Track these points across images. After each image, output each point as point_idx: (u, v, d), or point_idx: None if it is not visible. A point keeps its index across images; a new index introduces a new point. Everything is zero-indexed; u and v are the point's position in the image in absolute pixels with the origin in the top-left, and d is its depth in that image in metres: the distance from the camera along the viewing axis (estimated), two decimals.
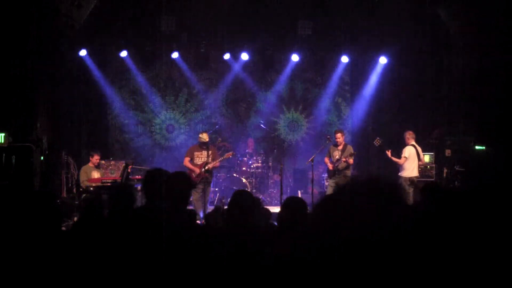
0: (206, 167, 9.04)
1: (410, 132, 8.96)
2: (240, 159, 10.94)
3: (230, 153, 9.40)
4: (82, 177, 8.88)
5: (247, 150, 11.23)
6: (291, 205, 3.47)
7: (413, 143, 8.87)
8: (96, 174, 8.89)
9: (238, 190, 3.78)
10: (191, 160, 9.19)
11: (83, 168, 8.99)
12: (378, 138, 9.30)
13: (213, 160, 9.05)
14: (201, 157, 9.22)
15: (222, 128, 11.86)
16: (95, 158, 9.04)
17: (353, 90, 12.00)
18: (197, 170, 9.07)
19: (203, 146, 9.21)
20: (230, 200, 3.41)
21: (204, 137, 9.18)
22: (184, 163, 9.37)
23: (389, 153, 8.82)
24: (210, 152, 9.16)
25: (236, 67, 11.96)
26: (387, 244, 1.44)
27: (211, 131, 11.50)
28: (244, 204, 3.32)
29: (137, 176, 8.89)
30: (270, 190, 11.02)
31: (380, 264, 1.42)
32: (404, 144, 8.89)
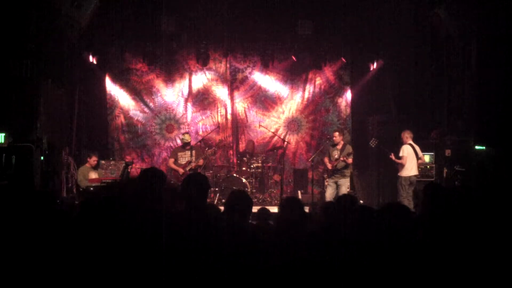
0: (190, 166, 9.50)
1: (408, 131, 9.01)
2: (240, 159, 10.96)
3: (212, 149, 9.93)
4: (79, 178, 8.95)
5: (247, 150, 11.25)
6: (288, 205, 3.48)
7: (410, 142, 8.90)
8: (93, 175, 8.98)
9: (234, 190, 3.80)
10: (175, 161, 9.69)
11: (81, 169, 9.09)
12: (373, 139, 9.34)
13: (196, 159, 9.52)
14: (185, 157, 9.75)
15: (222, 128, 11.87)
16: (93, 160, 9.15)
17: (353, 90, 12.01)
18: (181, 170, 9.55)
19: (186, 146, 9.77)
20: (227, 200, 3.42)
21: (187, 137, 9.81)
22: (168, 165, 9.82)
23: (392, 157, 8.87)
24: (193, 151, 9.68)
25: (236, 67, 11.98)
26: (386, 247, 1.45)
27: (212, 131, 11.56)
28: (241, 204, 3.33)
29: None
30: (270, 190, 11.03)
31: (379, 266, 1.42)
32: (402, 144, 8.93)
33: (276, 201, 10.17)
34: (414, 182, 8.76)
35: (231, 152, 11.91)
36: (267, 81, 12.07)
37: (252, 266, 2.85)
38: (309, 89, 12.10)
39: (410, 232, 2.94)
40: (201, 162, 9.73)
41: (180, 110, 12.02)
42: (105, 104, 11.72)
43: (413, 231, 3.02)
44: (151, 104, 11.95)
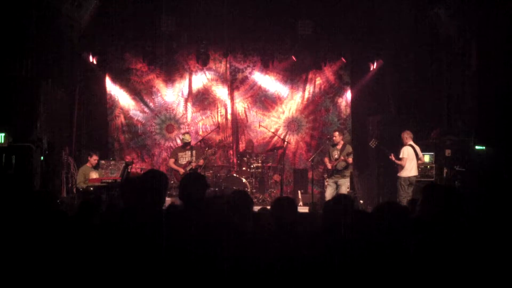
0: (190, 166, 9.53)
1: (408, 131, 9.01)
2: (240, 159, 10.97)
3: (212, 149, 9.97)
4: (79, 179, 8.88)
5: (247, 150, 11.25)
6: (279, 205, 3.49)
7: (411, 142, 8.91)
8: (94, 175, 8.90)
9: (234, 190, 3.81)
10: (176, 161, 9.70)
11: (81, 169, 9.02)
12: (373, 139, 9.35)
13: (197, 159, 9.55)
14: (185, 157, 9.82)
15: (222, 128, 11.87)
16: (94, 159, 9.11)
17: (353, 90, 12.01)
18: (181, 170, 9.56)
19: (186, 146, 9.79)
20: (227, 201, 3.42)
21: (187, 137, 9.83)
22: (168, 165, 9.84)
23: (392, 157, 8.86)
24: (194, 151, 9.71)
25: (236, 67, 11.98)
26: (386, 247, 1.45)
27: (212, 131, 11.56)
28: (241, 204, 3.33)
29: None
30: (270, 190, 11.03)
31: (379, 266, 1.42)
32: (403, 144, 8.93)
33: None
34: (414, 182, 8.77)
35: (231, 152, 11.90)
36: (267, 81, 12.07)
37: (252, 266, 2.84)
38: (309, 89, 12.09)
39: (409, 232, 2.94)
40: (201, 162, 9.76)
41: (180, 110, 12.02)
42: (105, 104, 11.71)
43: (412, 231, 3.02)
44: (151, 104, 11.94)
